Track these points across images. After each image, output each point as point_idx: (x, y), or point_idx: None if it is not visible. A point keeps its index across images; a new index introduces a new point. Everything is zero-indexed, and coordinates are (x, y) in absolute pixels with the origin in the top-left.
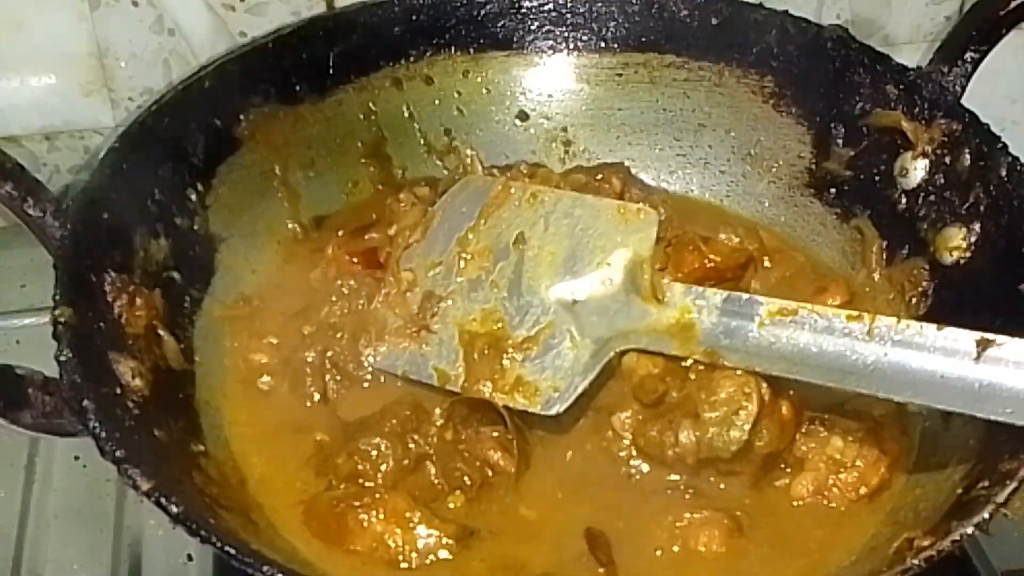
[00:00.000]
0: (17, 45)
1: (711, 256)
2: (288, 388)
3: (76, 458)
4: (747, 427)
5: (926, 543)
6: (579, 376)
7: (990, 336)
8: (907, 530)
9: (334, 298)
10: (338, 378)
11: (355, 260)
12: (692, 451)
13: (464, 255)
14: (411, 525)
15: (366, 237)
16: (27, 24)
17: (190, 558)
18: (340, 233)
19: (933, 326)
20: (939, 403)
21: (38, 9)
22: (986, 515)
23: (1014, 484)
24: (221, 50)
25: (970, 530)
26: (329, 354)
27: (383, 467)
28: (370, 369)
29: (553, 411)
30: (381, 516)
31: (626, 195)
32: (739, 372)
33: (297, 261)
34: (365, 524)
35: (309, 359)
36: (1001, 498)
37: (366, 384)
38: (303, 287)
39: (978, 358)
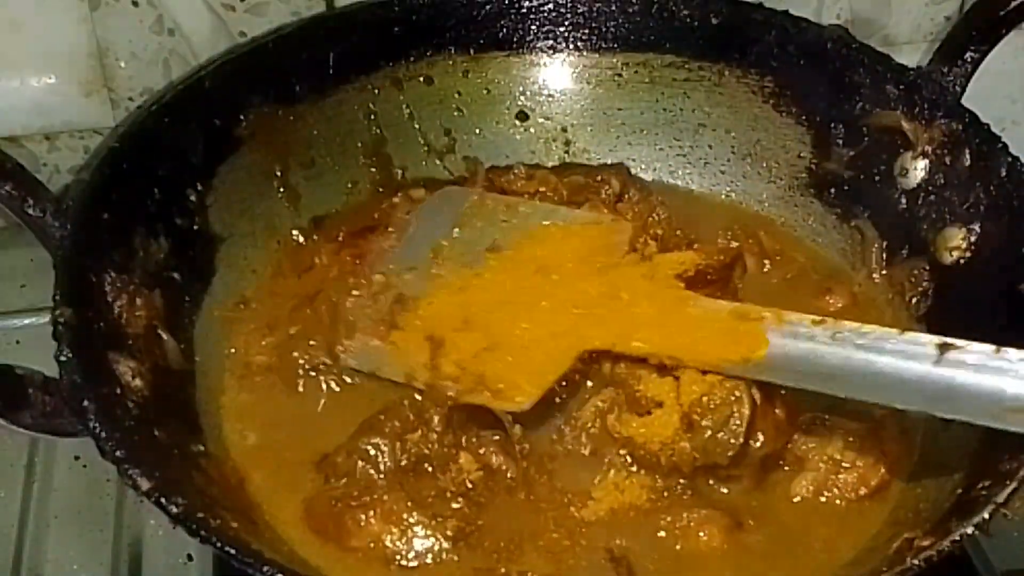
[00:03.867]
0: (17, 45)
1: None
2: (287, 388)
3: (76, 458)
4: (741, 431)
5: (926, 543)
6: (548, 374)
7: (951, 340)
8: (907, 530)
9: (333, 298)
10: (337, 377)
11: (358, 261)
12: (688, 460)
13: (437, 261)
14: (407, 525)
15: (367, 238)
16: (27, 24)
17: (190, 558)
18: (341, 236)
19: (895, 331)
20: (902, 404)
21: (38, 9)
22: (986, 515)
23: (1014, 484)
24: (221, 50)
25: (970, 530)
26: (322, 358)
27: (382, 467)
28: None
29: (518, 408)
30: (378, 515)
31: (625, 195)
32: (729, 377)
33: (296, 261)
34: (363, 523)
35: (307, 359)
36: (1001, 498)
37: (364, 382)
38: (302, 287)
39: (938, 361)
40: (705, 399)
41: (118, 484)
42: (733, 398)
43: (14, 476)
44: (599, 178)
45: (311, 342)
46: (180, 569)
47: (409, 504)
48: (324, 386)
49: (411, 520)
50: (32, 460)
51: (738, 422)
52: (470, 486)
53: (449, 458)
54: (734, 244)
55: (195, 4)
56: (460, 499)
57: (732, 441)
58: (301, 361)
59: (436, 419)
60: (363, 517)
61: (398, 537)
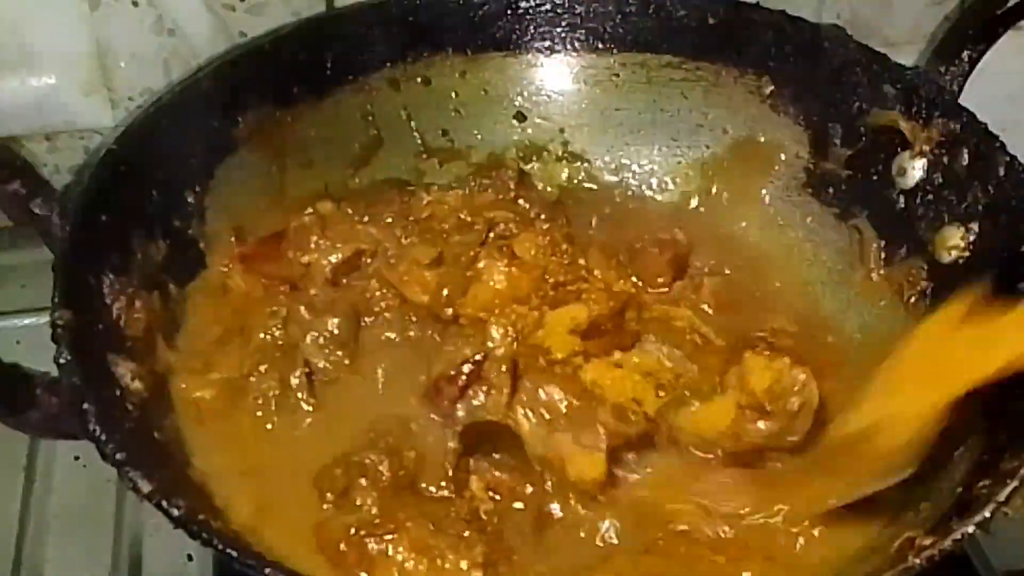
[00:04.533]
0: (17, 45)
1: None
2: (256, 415)
3: (76, 458)
4: (810, 417)
5: (927, 542)
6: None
7: None
8: (908, 530)
9: (267, 320)
10: (304, 399)
11: (273, 282)
12: (756, 444)
13: None
14: (436, 554)
15: (276, 258)
16: (27, 24)
17: (190, 558)
18: (239, 251)
19: None
20: None
21: (38, 9)
22: (987, 514)
23: (1015, 483)
24: (221, 50)
25: (971, 529)
26: (273, 383)
27: (383, 479)
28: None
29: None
30: (404, 546)
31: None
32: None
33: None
34: (389, 554)
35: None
36: (1002, 497)
37: (330, 403)
38: (225, 314)
39: None
40: (775, 387)
41: (118, 485)
42: (801, 383)
43: (14, 476)
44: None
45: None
46: (180, 569)
47: (432, 532)
48: (301, 406)
49: (438, 548)
50: (32, 460)
51: (807, 406)
52: (484, 517)
53: (462, 483)
54: (624, 288)
55: (195, 4)
56: (479, 523)
57: (802, 427)
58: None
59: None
60: (387, 548)
61: (426, 568)
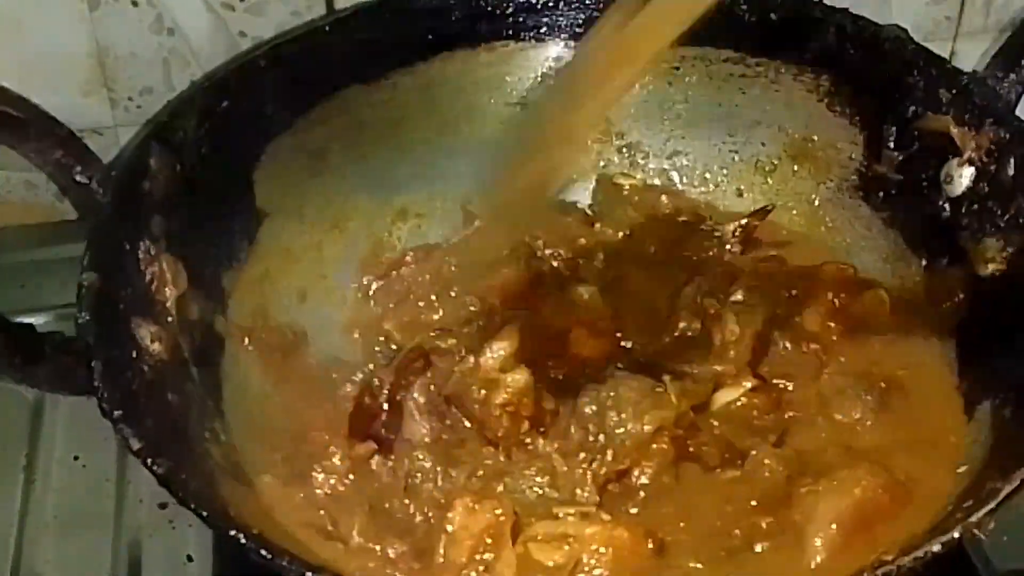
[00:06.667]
0: (17, 45)
1: None
2: None
3: (76, 458)
4: None
5: (888, 558)
6: None
7: None
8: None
9: None
10: None
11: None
12: None
13: None
14: None
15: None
16: (27, 24)
17: (190, 558)
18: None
19: None
20: None
21: (38, 9)
22: (955, 535)
23: (990, 505)
24: (221, 50)
25: (936, 548)
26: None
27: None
28: None
29: None
30: None
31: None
32: None
33: None
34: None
35: None
36: (974, 519)
37: None
38: None
39: None
40: None
41: (118, 484)
42: None
43: (14, 476)
44: None
45: None
46: (180, 569)
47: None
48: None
49: None
50: (32, 460)
51: None
52: None
53: None
54: None
55: (194, 4)
56: None
57: None
58: None
59: None
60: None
61: None
